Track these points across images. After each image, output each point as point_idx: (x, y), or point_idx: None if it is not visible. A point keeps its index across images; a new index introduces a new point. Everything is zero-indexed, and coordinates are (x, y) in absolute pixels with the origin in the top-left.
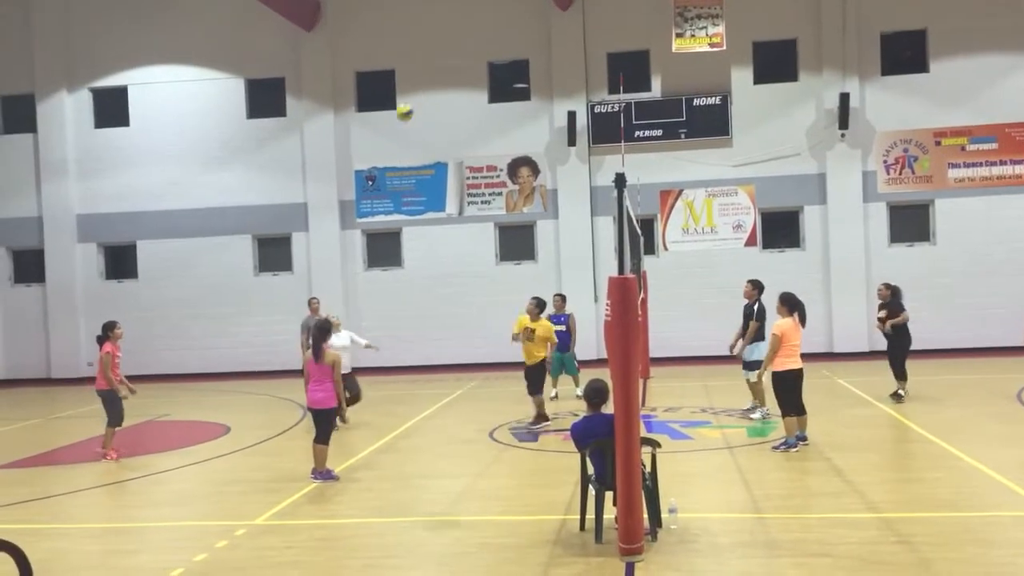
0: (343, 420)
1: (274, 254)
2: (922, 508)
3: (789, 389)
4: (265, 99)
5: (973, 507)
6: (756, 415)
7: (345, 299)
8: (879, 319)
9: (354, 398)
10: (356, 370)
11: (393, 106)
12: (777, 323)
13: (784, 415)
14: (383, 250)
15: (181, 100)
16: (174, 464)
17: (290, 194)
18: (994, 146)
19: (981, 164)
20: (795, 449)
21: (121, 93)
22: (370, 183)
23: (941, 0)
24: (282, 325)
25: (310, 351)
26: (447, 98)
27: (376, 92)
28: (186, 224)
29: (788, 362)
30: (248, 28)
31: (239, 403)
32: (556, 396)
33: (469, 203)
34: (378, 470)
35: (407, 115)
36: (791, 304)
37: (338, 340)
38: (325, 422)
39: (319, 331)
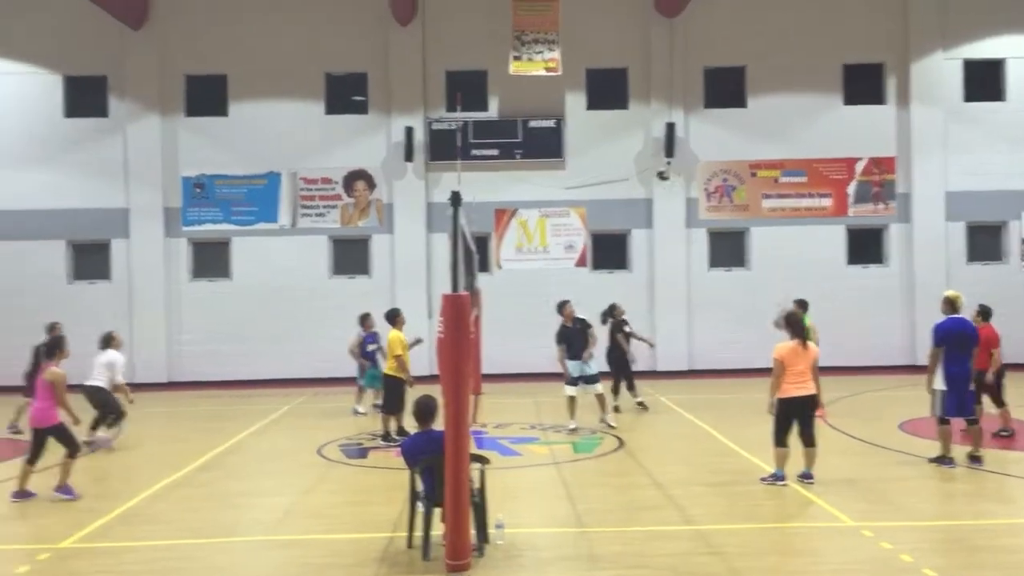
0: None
1: (91, 261)
2: (732, 520)
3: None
4: (85, 98)
5: (777, 519)
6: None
7: (167, 310)
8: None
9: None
10: (180, 384)
11: (225, 112)
12: (776, 347)
13: (776, 445)
14: (210, 260)
15: None
16: None
17: (110, 199)
18: (803, 179)
19: (792, 196)
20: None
21: None
22: (198, 191)
23: (759, 40)
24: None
25: None
26: (282, 107)
27: (207, 97)
28: None
29: (789, 388)
30: (69, 22)
31: None
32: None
33: (303, 215)
34: (199, 488)
35: None
36: (791, 326)
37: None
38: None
39: (46, 349)
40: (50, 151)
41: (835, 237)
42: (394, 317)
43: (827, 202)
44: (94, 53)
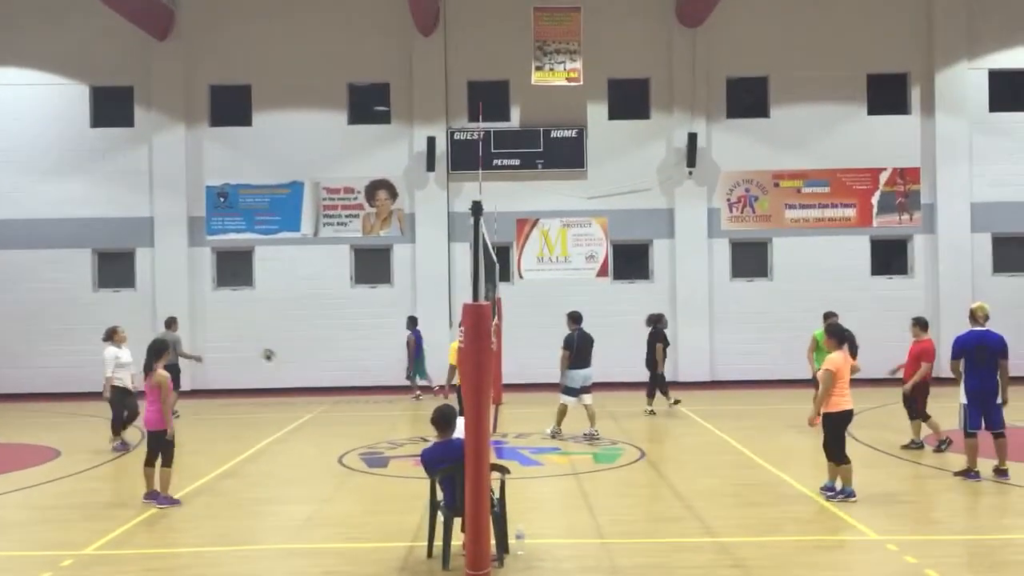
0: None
1: (116, 269)
2: (756, 533)
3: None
4: (111, 108)
5: (800, 532)
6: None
7: (191, 318)
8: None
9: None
10: (203, 392)
11: (249, 122)
12: (829, 358)
13: (841, 462)
14: (234, 269)
15: (17, 104)
16: None
17: (135, 208)
18: (826, 189)
19: (815, 206)
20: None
21: None
22: (222, 200)
23: (782, 50)
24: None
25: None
26: (305, 117)
27: (231, 107)
28: (19, 235)
29: (842, 402)
30: (95, 34)
31: (73, 425)
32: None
33: (325, 224)
34: (221, 496)
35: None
36: (839, 336)
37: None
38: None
39: (151, 350)
40: (77, 161)
41: (859, 248)
42: None
43: (851, 212)
44: (120, 64)
